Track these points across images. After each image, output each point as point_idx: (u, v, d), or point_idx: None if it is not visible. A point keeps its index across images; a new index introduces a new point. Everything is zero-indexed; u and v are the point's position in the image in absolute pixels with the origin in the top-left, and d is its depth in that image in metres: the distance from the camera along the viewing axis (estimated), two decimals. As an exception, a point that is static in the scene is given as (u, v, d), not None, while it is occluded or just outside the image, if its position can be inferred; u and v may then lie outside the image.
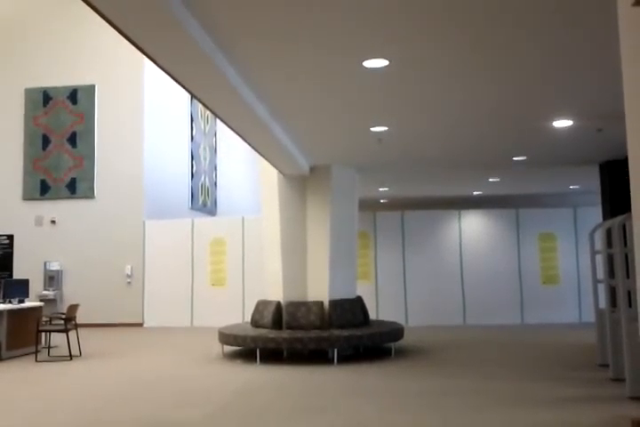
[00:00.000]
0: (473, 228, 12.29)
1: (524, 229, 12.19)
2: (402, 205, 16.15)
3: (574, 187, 13.55)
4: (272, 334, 7.66)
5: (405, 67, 4.81)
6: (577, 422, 4.68)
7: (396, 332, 8.08)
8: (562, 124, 6.92)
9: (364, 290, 11.14)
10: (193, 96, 5.01)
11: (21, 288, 9.24)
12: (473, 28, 4.03)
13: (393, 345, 8.20)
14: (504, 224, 12.27)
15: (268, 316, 8.18)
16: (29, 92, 13.39)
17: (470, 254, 12.15)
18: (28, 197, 13.21)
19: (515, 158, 9.21)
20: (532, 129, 7.20)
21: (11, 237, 13.05)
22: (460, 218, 12.33)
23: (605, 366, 6.74)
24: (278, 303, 8.28)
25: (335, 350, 7.56)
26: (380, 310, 11.94)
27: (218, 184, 17.71)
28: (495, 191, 14.19)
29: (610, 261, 6.54)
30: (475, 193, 14.66)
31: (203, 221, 13.17)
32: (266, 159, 7.81)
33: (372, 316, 11.30)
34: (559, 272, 12.02)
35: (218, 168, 17.83)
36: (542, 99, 5.88)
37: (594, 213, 11.66)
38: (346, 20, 3.85)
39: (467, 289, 12.02)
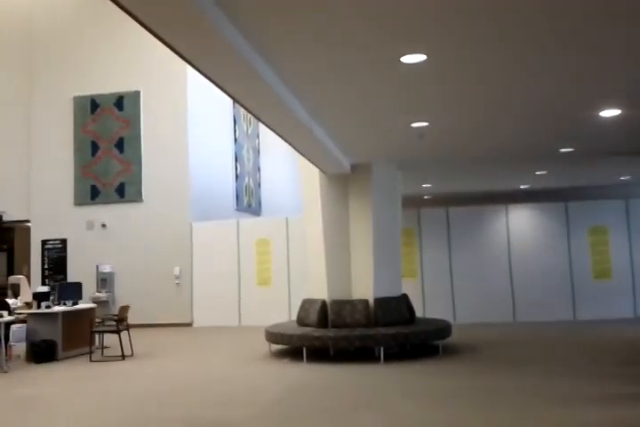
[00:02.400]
0: (521, 222, 12.05)
1: (574, 222, 11.88)
2: (446, 200, 15.94)
3: (625, 178, 13.13)
4: (318, 332, 7.69)
5: (444, 61, 4.75)
6: (630, 420, 4.55)
7: (442, 329, 8.00)
8: (609, 113, 6.72)
9: (409, 287, 11.05)
10: (233, 99, 5.08)
11: (75, 291, 9.54)
12: (517, 18, 3.95)
13: (440, 343, 8.12)
14: (553, 218, 11.98)
15: (313, 314, 8.22)
16: (78, 100, 13.79)
17: (519, 249, 11.91)
18: (79, 202, 13.61)
19: (562, 150, 8.99)
20: (579, 120, 7.01)
21: (64, 242, 13.50)
22: (507, 213, 12.11)
23: (662, 362, 6.52)
24: (323, 302, 8.30)
25: (381, 349, 7.54)
26: (427, 307, 11.84)
27: (262, 185, 17.88)
28: (543, 184, 13.86)
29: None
30: (522, 187, 14.36)
31: (248, 221, 13.32)
32: (307, 159, 7.85)
33: (419, 313, 11.20)
34: (611, 266, 11.66)
35: (261, 169, 18.00)
36: (589, 89, 5.71)
37: (647, 205, 11.30)
38: (382, 15, 3.83)
39: (516, 285, 11.79)
